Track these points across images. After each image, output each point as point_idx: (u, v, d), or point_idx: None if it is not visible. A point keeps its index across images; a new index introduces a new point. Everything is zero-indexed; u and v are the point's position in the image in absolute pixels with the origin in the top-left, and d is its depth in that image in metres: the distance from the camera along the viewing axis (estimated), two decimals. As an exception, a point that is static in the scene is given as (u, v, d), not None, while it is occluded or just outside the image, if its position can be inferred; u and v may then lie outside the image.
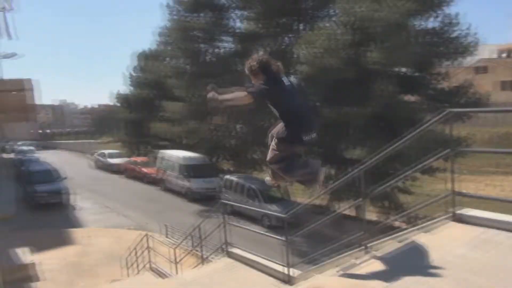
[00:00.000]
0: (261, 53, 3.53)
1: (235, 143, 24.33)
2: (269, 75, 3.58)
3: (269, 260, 5.57)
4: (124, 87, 52.15)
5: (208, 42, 23.23)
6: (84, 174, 30.21)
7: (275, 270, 5.35)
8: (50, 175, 21.52)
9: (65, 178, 21.98)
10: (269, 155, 3.78)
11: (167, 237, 15.14)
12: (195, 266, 7.70)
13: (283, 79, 3.67)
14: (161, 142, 28.92)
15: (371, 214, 16.95)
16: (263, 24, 22.02)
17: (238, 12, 23.19)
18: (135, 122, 30.89)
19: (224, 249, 6.54)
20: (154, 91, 29.42)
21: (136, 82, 32.83)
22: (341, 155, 17.08)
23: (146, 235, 10.03)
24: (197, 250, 8.08)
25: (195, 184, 21.66)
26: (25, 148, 38.83)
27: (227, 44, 23.92)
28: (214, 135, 23.93)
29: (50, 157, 39.03)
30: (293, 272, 5.17)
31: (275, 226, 16.04)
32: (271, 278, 5.37)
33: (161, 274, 8.88)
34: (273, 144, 3.75)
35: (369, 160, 4.63)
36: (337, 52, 16.14)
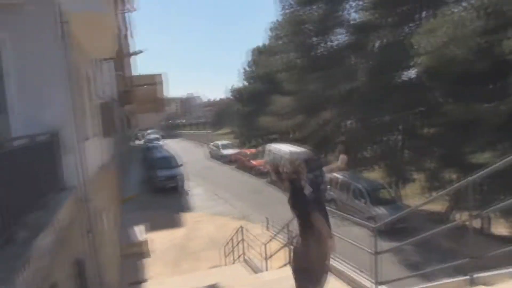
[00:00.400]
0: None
1: (345, 139, 23.38)
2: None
3: (357, 273, 4.95)
4: (238, 82, 54.32)
5: (320, 35, 22.64)
6: (199, 162, 32.43)
7: (361, 284, 4.73)
8: (170, 161, 23.49)
9: (182, 165, 23.74)
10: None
11: (267, 229, 15.20)
12: (284, 265, 7.40)
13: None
14: (271, 136, 29.40)
15: (501, 228, 14.57)
16: (380, 13, 20.57)
17: (353, 3, 22.07)
18: (247, 115, 31.94)
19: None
20: (265, 85, 29.97)
21: (249, 77, 33.91)
22: (465, 158, 14.96)
23: (241, 227, 10.10)
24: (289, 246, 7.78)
25: (300, 179, 21.36)
26: (152, 136, 43.39)
27: (340, 37, 23.04)
28: (323, 130, 23.33)
29: (172, 145, 42.99)
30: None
31: (382, 231, 14.90)
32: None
33: (252, 268, 8.83)
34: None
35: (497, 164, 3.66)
36: (465, 41, 14.11)
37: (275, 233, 9.39)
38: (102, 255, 8.01)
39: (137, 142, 44.94)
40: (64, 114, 6.56)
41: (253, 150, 30.75)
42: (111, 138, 17.91)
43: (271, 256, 8.01)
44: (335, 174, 19.90)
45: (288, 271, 6.17)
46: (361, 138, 21.09)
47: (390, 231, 14.77)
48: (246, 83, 34.46)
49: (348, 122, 23.75)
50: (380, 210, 15.98)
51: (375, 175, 21.76)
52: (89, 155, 8.63)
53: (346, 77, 20.30)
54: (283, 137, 27.03)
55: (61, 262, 4.59)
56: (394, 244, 5.33)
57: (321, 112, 23.21)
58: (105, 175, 11.79)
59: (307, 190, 3.63)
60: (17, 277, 3.01)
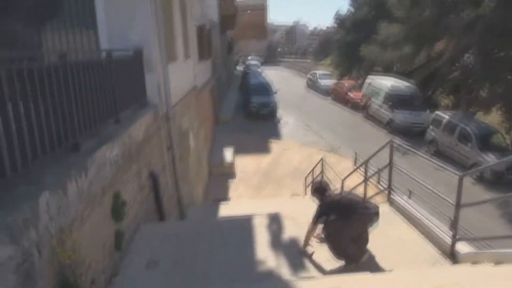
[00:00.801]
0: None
1: (458, 76, 20.62)
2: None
3: (433, 224, 4.37)
4: (345, 8, 50.34)
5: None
6: (295, 91, 31.98)
7: (438, 237, 4.17)
8: (265, 89, 23.49)
9: (276, 93, 23.60)
10: None
11: (355, 165, 14.65)
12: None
13: None
14: (374, 67, 27.25)
15: None
16: None
17: None
18: (349, 44, 29.77)
19: (387, 195, 5.58)
20: (372, 12, 27.20)
21: (356, 2, 31.02)
22: None
23: (322, 159, 9.76)
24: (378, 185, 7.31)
25: (399, 116, 19.81)
26: (252, 62, 43.59)
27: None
28: (433, 64, 20.76)
29: (271, 73, 42.83)
30: (462, 247, 3.89)
31: (488, 180, 13.34)
32: (430, 247, 4.24)
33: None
34: None
35: None
36: None
37: (361, 169, 8.94)
38: (184, 171, 8.48)
39: (237, 68, 45.78)
40: (148, 34, 6.61)
41: (352, 82, 29.09)
42: (208, 61, 18.33)
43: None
44: (440, 113, 17.98)
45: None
46: (480, 74, 18.30)
47: (498, 181, 13.17)
48: (352, 9, 31.72)
49: (466, 55, 20.67)
50: (489, 157, 14.15)
51: (492, 118, 19.10)
52: (176, 76, 8.83)
53: (470, 2, 17.25)
54: (386, 70, 24.84)
55: (130, 175, 4.83)
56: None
57: (434, 43, 20.47)
58: (196, 96, 12.18)
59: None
60: (70, 184, 3.15)
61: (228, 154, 15.24)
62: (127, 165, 4.74)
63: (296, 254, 4.25)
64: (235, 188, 12.99)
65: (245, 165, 14.94)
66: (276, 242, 4.56)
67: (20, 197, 2.62)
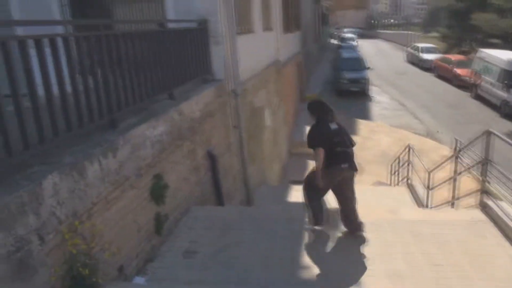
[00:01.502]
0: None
1: None
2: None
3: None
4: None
5: None
6: (393, 66, 29.46)
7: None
8: (357, 63, 21.90)
9: (369, 68, 21.89)
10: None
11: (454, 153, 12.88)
12: (447, 203, 5.94)
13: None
14: (491, 40, 23.65)
15: None
16: None
17: None
18: (460, 12, 26.16)
19: (479, 198, 4.53)
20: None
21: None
22: None
23: (409, 146, 8.57)
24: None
25: (517, 97, 16.92)
26: (347, 35, 41.18)
27: None
28: None
29: (367, 46, 40.17)
30: None
31: None
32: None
33: (414, 196, 7.56)
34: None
35: None
36: None
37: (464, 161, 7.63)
38: (254, 151, 8.12)
39: (331, 41, 43.76)
40: (214, 3, 6.21)
41: (460, 57, 25.67)
42: (295, 34, 17.54)
43: (434, 186, 6.58)
44: None
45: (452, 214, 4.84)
46: None
47: None
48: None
49: None
50: None
51: None
52: (250, 49, 8.38)
53: None
54: (505, 42, 21.34)
55: (180, 155, 4.56)
56: None
57: None
58: (278, 71, 11.65)
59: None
60: (90, 165, 2.92)
61: (310, 133, 14.54)
62: (176, 144, 4.47)
63: (348, 265, 3.59)
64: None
65: (328, 145, 14.11)
66: (325, 244, 3.93)
67: (25, 179, 2.43)
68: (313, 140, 4.21)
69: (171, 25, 5.65)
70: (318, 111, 4.31)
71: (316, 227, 4.23)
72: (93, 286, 2.66)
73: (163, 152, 4.13)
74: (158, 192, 3.96)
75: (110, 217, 3.18)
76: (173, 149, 4.40)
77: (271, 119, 10.39)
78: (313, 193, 4.24)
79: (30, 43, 2.64)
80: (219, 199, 5.75)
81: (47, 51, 2.79)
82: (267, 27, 10.61)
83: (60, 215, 2.59)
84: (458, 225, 4.22)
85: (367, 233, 4.08)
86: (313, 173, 4.26)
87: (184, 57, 5.18)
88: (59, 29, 4.62)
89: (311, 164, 12.83)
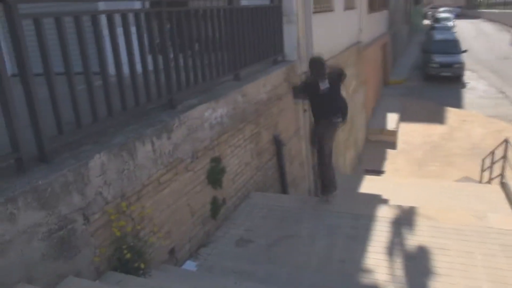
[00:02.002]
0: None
1: None
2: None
3: None
4: None
5: None
6: (494, 50, 26.24)
7: None
8: (450, 46, 19.81)
9: (465, 51, 19.70)
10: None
11: None
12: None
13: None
14: None
15: None
16: None
17: None
18: None
19: None
20: None
21: None
22: None
23: (506, 142, 7.43)
24: None
25: None
26: (442, 15, 37.45)
27: None
28: None
29: (466, 27, 36.31)
30: None
31: None
32: None
33: (509, 196, 6.56)
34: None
35: None
36: None
37: None
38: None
39: (424, 22, 40.24)
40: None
41: None
42: (381, 13, 16.31)
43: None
44: None
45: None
46: None
47: None
48: None
49: None
50: None
51: None
52: (327, 29, 7.86)
53: None
54: None
55: (241, 138, 4.38)
56: None
57: None
58: (358, 53, 10.92)
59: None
60: (141, 146, 2.85)
61: (392, 120, 13.57)
62: (237, 127, 4.29)
63: (421, 276, 3.12)
64: (393, 160, 11.50)
65: (411, 134, 13.05)
66: (394, 248, 3.48)
67: (73, 158, 2.41)
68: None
69: (243, 3, 5.43)
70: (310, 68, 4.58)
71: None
72: (137, 269, 2.60)
73: (223, 135, 3.98)
74: (215, 176, 3.83)
75: (161, 199, 3.10)
76: (234, 132, 4.23)
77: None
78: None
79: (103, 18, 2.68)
80: (283, 187, 5.51)
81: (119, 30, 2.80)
82: (349, 6, 9.91)
83: (107, 196, 2.55)
84: None
85: (446, 240, 3.54)
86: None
87: (254, 36, 4.95)
88: (137, 4, 4.70)
89: (390, 153, 11.98)
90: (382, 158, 11.67)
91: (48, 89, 2.34)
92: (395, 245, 3.49)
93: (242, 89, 4.36)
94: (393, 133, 12.82)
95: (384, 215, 3.95)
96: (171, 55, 3.86)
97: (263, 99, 4.96)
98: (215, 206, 3.86)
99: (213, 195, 3.84)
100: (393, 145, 12.41)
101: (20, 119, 2.13)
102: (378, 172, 10.57)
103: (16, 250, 1.99)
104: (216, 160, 3.84)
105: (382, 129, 12.96)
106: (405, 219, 3.82)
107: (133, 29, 2.96)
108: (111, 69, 2.84)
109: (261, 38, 5.16)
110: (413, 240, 3.53)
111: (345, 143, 9.71)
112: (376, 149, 12.09)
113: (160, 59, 3.30)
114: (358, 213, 4.04)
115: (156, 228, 3.02)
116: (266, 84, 5.01)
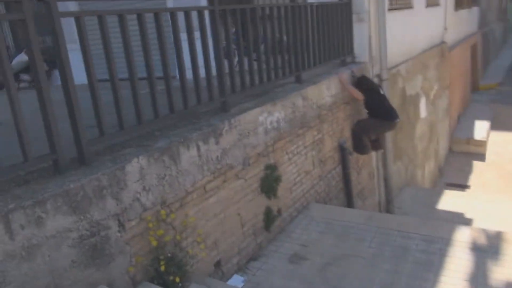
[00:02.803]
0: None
1: None
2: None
3: None
4: None
5: None
6: None
7: None
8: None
9: None
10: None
11: None
12: None
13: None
14: None
15: None
16: None
17: None
18: None
19: None
20: None
21: None
22: None
23: None
24: None
25: None
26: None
27: None
28: None
29: None
30: None
31: None
32: None
33: None
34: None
35: None
36: None
37: None
38: (401, 145, 7.03)
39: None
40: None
41: None
42: (471, 10, 14.79)
43: None
44: None
45: None
46: None
47: None
48: None
49: None
50: None
51: None
52: (405, 28, 7.21)
53: None
54: None
55: (301, 144, 4.07)
56: None
57: None
58: (442, 55, 9.93)
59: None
60: (185, 151, 2.69)
61: (481, 129, 12.16)
62: (297, 133, 3.99)
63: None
64: (481, 173, 10.24)
65: (503, 146, 11.56)
66: (474, 282, 2.90)
67: (111, 161, 2.31)
68: None
69: (309, 0, 5.13)
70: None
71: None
72: (173, 282, 2.43)
73: (279, 141, 3.71)
74: (270, 184, 3.56)
75: (207, 208, 2.92)
76: (293, 138, 3.93)
77: (428, 110, 8.93)
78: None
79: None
80: (348, 198, 5.06)
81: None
82: (432, 2, 9.05)
83: (145, 202, 2.42)
84: None
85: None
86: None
87: (321, 35, 4.62)
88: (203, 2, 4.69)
89: (477, 166, 10.74)
90: (467, 171, 10.46)
91: (90, 94, 2.31)
92: (476, 277, 2.91)
93: (302, 92, 4.06)
94: (482, 143, 11.46)
95: (464, 240, 3.36)
96: (236, 59, 3.73)
97: (327, 103, 4.59)
98: (269, 217, 3.60)
99: (267, 205, 3.58)
100: (481, 157, 11.09)
101: (56, 120, 2.08)
102: (462, 186, 9.48)
103: (43, 255, 1.91)
104: (271, 168, 3.58)
105: (469, 138, 11.66)
106: (491, 246, 3.20)
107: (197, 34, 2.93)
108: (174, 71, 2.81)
109: (327, 37, 4.81)
110: (499, 274, 2.92)
111: (425, 152, 8.84)
112: (460, 161, 10.89)
113: (225, 63, 3.18)
114: (432, 235, 3.49)
115: (200, 238, 2.84)
116: (330, 87, 4.64)
